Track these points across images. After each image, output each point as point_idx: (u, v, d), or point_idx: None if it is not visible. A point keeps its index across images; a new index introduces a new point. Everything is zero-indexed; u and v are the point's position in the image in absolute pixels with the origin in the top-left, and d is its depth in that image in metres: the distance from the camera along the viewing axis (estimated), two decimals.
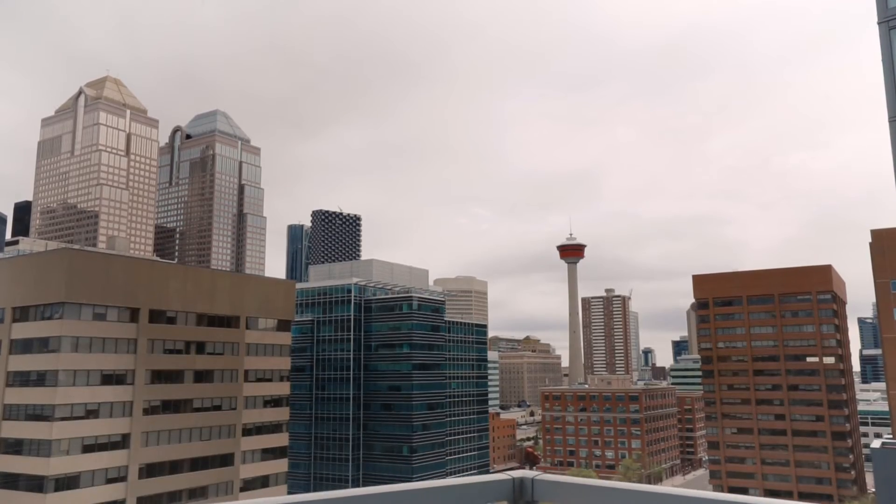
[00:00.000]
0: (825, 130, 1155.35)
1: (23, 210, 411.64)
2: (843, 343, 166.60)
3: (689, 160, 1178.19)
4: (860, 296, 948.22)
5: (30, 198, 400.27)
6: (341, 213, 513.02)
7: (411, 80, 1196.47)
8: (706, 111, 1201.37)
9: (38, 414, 78.82)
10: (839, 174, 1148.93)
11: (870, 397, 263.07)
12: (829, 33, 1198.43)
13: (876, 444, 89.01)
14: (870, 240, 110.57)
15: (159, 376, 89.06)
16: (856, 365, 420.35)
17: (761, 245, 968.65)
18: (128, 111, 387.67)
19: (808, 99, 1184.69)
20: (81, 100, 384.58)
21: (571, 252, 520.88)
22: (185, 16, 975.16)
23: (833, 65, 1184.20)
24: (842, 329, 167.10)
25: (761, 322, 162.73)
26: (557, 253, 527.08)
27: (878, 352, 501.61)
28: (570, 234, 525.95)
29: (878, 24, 22.47)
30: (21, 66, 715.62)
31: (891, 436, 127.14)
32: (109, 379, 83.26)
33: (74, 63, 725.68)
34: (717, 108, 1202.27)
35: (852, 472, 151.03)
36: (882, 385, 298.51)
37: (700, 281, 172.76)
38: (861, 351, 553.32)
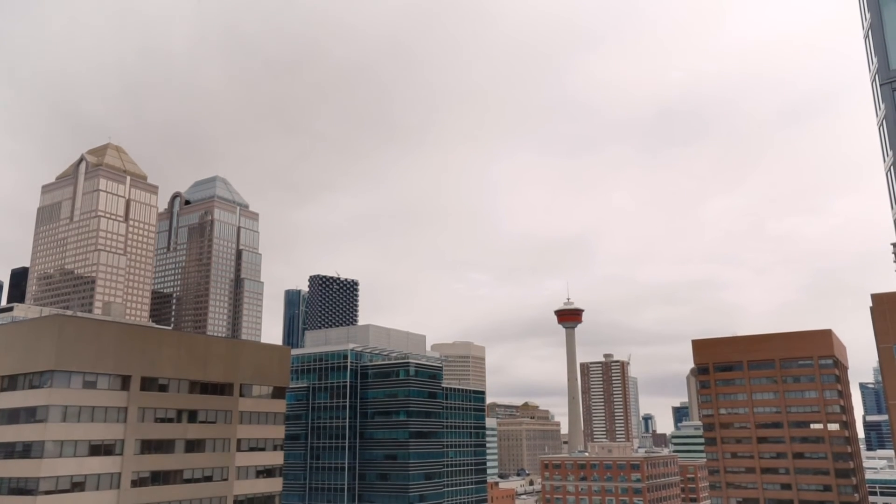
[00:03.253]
0: (818, 195, 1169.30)
1: (19, 276, 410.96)
2: (848, 409, 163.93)
3: (684, 225, 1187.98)
4: (858, 360, 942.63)
5: (27, 264, 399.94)
6: (339, 278, 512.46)
7: (407, 146, 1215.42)
8: (700, 176, 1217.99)
9: (22, 487, 76.12)
10: (833, 238, 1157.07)
11: (876, 465, 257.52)
12: (820, 99, 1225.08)
13: None
14: (870, 304, 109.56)
15: (149, 446, 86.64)
16: (860, 432, 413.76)
17: (758, 309, 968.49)
18: (128, 178, 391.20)
19: (801, 164, 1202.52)
20: (83, 167, 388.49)
21: (569, 317, 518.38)
22: (186, 84, 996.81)
23: (825, 130, 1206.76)
24: (845, 395, 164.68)
25: (763, 388, 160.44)
26: (555, 317, 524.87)
27: (883, 418, 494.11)
28: (568, 299, 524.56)
29: (881, 85, 22.42)
30: (24, 133, 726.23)
31: None
32: (98, 449, 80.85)
33: (77, 129, 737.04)
34: (711, 172, 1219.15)
35: None
36: (888, 453, 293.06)
37: (700, 346, 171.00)
38: (864, 417, 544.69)
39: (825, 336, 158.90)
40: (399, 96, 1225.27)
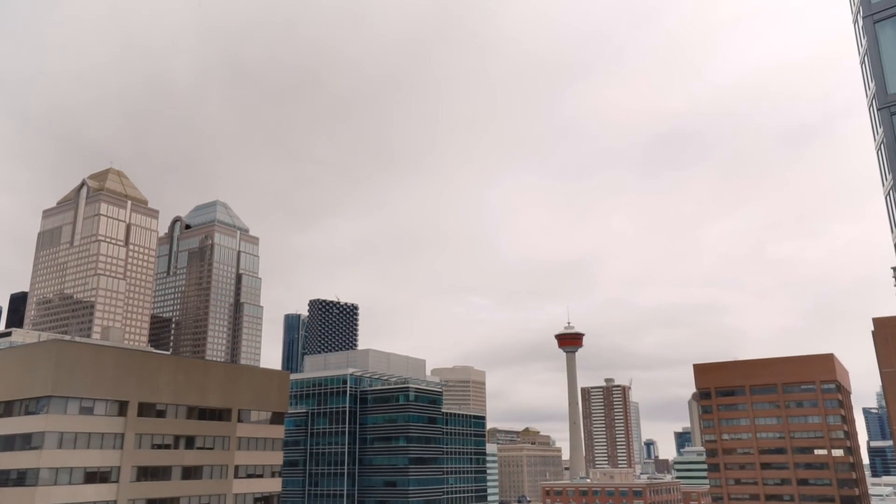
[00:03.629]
0: (819, 219, 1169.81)
1: (18, 301, 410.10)
2: (851, 435, 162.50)
3: (684, 248, 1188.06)
4: (861, 385, 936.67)
5: (26, 288, 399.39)
6: (338, 303, 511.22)
7: (406, 171, 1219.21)
8: (700, 200, 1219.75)
9: None
10: (834, 262, 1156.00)
11: (882, 492, 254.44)
12: (820, 122, 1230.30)
13: None
14: (871, 328, 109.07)
15: (146, 473, 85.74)
16: (864, 458, 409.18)
17: (759, 333, 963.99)
18: (129, 202, 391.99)
19: (801, 187, 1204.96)
20: (84, 191, 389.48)
21: (570, 341, 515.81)
22: (188, 109, 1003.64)
23: (825, 153, 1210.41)
24: (848, 420, 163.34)
25: (765, 413, 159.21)
26: (556, 342, 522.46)
27: (887, 443, 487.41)
28: (568, 323, 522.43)
29: (879, 109, 22.35)
30: (26, 158, 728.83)
31: None
32: (93, 477, 79.96)
33: (78, 154, 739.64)
34: (710, 196, 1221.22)
35: None
36: (894, 479, 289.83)
37: (701, 370, 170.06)
38: (868, 443, 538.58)
39: (827, 360, 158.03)
40: (398, 122, 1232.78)
